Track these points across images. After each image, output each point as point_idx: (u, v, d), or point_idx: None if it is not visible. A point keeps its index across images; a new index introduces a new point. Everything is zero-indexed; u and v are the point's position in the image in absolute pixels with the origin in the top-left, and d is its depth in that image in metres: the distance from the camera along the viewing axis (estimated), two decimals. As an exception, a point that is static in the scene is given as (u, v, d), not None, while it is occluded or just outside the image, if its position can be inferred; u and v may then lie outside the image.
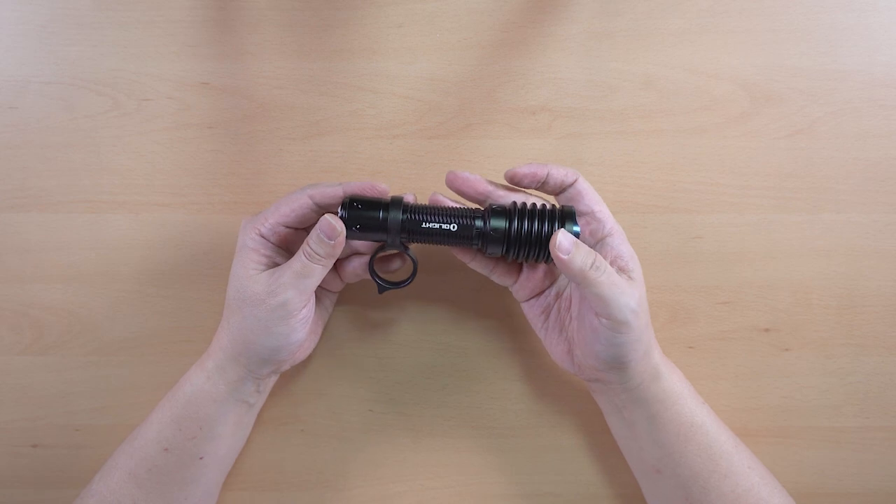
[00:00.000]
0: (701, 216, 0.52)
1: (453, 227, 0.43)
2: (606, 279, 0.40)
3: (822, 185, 0.52)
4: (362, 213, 0.42)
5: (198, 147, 0.51)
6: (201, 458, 0.45)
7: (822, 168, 0.52)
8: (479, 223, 0.43)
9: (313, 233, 0.42)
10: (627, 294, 0.41)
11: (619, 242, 0.43)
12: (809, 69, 0.52)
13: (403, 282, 0.46)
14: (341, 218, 0.42)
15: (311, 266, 0.42)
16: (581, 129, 0.52)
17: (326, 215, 0.42)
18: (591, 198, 0.44)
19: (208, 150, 0.51)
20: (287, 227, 0.44)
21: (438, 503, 0.51)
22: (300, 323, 0.43)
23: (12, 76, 0.51)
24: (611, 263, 0.42)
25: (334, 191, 0.43)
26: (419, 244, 0.51)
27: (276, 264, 0.44)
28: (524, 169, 0.43)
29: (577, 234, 0.41)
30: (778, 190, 0.52)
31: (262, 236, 0.43)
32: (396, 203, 0.43)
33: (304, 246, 0.42)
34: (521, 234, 0.42)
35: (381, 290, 0.46)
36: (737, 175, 0.52)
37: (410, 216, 0.42)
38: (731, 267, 0.52)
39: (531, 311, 0.47)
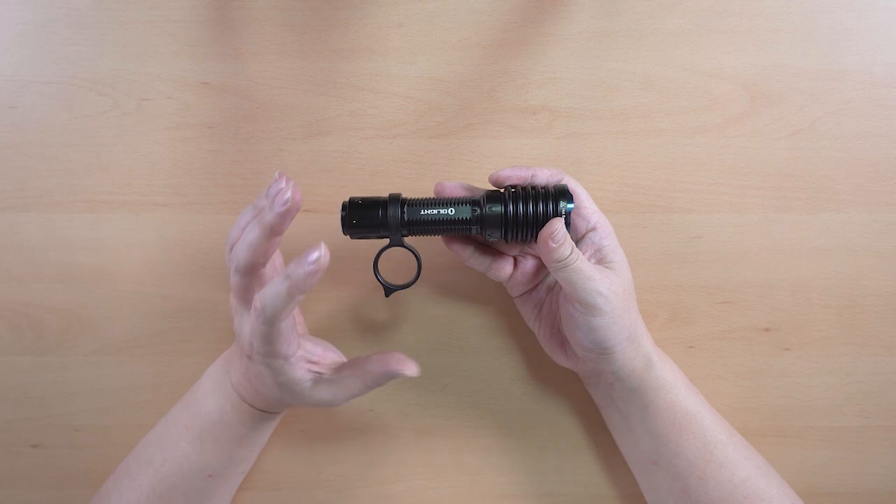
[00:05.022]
0: (701, 216, 0.52)
1: (451, 210, 0.43)
2: (576, 266, 0.41)
3: (822, 185, 0.52)
4: (362, 211, 0.43)
5: (198, 147, 0.51)
6: (243, 472, 0.47)
7: (822, 168, 0.52)
8: (476, 209, 0.43)
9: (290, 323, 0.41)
10: (595, 280, 0.41)
11: (602, 237, 0.44)
12: (809, 69, 0.52)
13: (409, 282, 0.46)
14: (342, 218, 0.43)
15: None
16: (581, 129, 0.52)
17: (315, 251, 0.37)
18: (576, 195, 0.44)
19: (208, 150, 0.51)
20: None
21: (438, 503, 0.51)
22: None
23: (12, 76, 0.51)
24: (591, 256, 0.43)
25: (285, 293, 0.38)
26: (418, 244, 0.51)
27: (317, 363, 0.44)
28: (507, 171, 0.44)
29: (570, 211, 0.42)
30: (778, 190, 0.52)
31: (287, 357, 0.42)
32: (395, 199, 0.43)
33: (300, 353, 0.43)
34: (517, 213, 0.42)
35: (388, 292, 0.46)
36: (737, 175, 0.52)
37: (410, 206, 0.43)
38: (731, 267, 0.52)
39: (525, 307, 0.48)
